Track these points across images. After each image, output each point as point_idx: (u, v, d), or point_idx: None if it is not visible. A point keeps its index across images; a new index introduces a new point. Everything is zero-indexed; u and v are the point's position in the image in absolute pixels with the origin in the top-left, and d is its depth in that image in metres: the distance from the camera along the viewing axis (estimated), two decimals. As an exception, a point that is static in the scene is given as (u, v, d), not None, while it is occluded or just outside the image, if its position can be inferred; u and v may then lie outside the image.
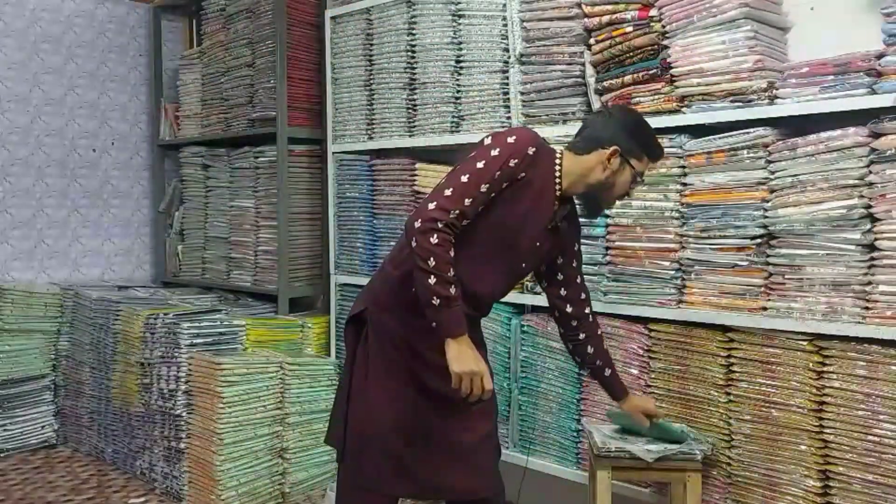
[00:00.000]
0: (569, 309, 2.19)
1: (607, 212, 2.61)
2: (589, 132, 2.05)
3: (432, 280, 1.79)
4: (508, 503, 2.25)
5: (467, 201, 1.84)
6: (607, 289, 2.64)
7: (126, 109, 4.61)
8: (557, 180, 2.01)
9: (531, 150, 1.91)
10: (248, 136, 4.03)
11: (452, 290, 1.80)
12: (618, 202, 2.17)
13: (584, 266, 2.68)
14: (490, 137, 1.93)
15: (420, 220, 1.82)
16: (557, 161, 2.02)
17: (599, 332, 2.25)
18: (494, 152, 1.88)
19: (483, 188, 1.86)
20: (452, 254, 1.82)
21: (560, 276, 2.18)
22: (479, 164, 1.87)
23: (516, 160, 1.89)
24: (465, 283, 1.90)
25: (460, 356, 1.81)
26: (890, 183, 2.05)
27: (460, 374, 1.80)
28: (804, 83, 2.22)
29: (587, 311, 2.22)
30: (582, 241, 2.27)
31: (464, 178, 1.86)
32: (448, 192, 1.84)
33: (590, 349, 2.22)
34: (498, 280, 2.05)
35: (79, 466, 3.77)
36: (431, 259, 1.79)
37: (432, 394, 2.00)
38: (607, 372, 2.26)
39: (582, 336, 2.21)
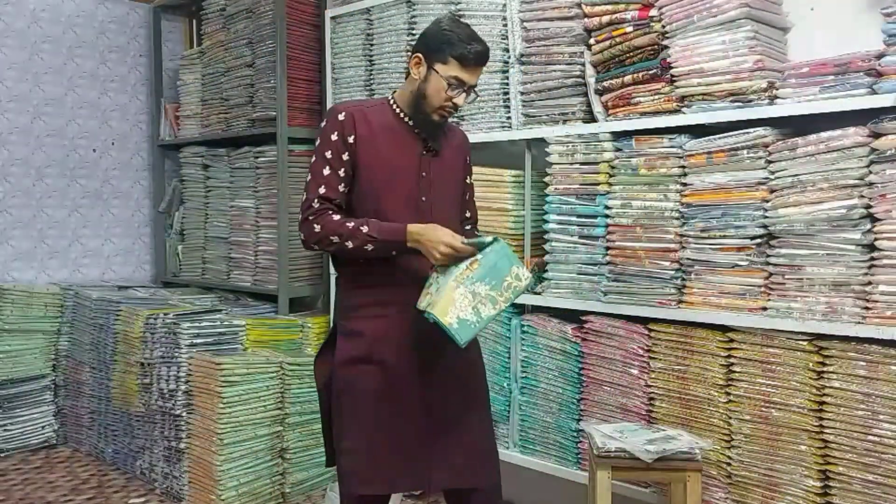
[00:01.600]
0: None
1: (607, 212, 2.62)
2: None
3: (349, 243, 1.93)
4: (508, 502, 2.25)
5: (322, 189, 1.98)
6: (607, 289, 2.63)
7: (126, 109, 4.61)
8: (397, 110, 2.07)
9: (341, 116, 2.01)
10: (248, 136, 4.03)
11: (361, 226, 1.92)
12: (449, 113, 2.04)
13: (582, 265, 2.71)
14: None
15: (300, 231, 2.01)
16: (391, 97, 2.10)
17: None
18: (320, 144, 2.03)
19: (326, 171, 1.99)
20: (337, 216, 1.96)
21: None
22: (313, 159, 2.03)
23: (336, 133, 2.00)
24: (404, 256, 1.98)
25: (426, 243, 1.88)
26: (890, 183, 2.05)
27: (441, 255, 1.86)
28: (804, 83, 2.22)
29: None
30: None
31: (309, 176, 2.02)
32: (305, 195, 2.02)
33: None
34: (407, 216, 2.00)
35: (79, 466, 3.77)
36: (330, 236, 1.94)
37: (412, 387, 2.00)
38: None
39: None
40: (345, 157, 2.00)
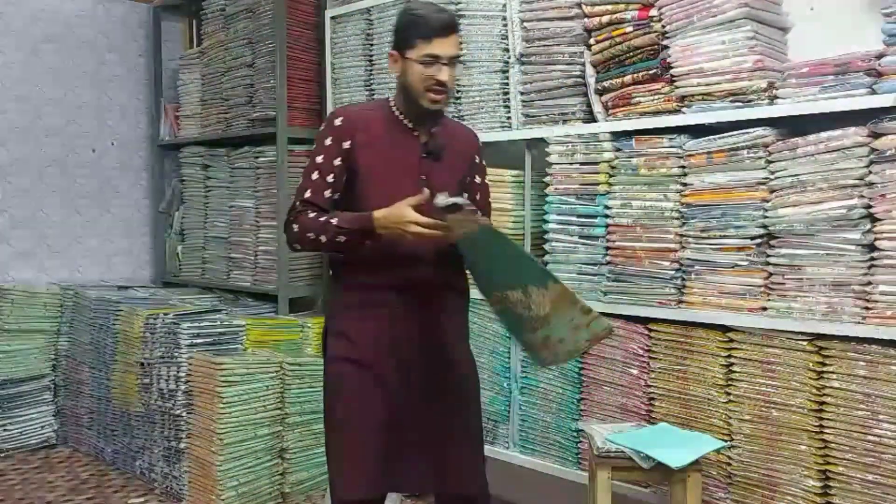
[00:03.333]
0: None
1: (607, 212, 2.62)
2: None
3: (322, 238, 1.94)
4: (508, 502, 2.25)
5: (308, 194, 1.99)
6: (607, 289, 2.63)
7: (126, 109, 4.61)
8: (396, 112, 2.05)
9: (338, 121, 2.02)
10: (248, 136, 4.03)
11: (331, 219, 1.93)
12: (439, 94, 1.98)
13: (582, 265, 2.70)
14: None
15: (284, 233, 2.03)
16: (391, 99, 2.08)
17: None
18: (314, 147, 2.04)
19: (314, 176, 1.99)
20: (313, 214, 1.96)
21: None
22: (307, 162, 2.05)
23: (330, 138, 2.01)
24: (386, 249, 1.94)
25: (392, 226, 1.86)
26: (890, 183, 2.05)
27: (414, 235, 1.84)
28: (804, 83, 2.22)
29: None
30: (486, 179, 2.23)
31: (302, 179, 2.03)
32: (294, 197, 2.03)
33: None
34: None
35: (79, 466, 3.77)
36: (307, 233, 1.95)
37: (398, 389, 2.00)
38: None
39: None
40: (336, 162, 2.00)
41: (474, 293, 2.21)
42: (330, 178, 2.00)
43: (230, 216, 4.16)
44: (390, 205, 1.92)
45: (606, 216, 2.63)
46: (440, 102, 2.01)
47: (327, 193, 2.00)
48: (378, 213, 1.89)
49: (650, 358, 2.56)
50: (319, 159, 2.00)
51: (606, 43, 2.62)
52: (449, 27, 1.96)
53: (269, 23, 3.85)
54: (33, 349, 3.98)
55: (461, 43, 2.00)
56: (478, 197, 2.20)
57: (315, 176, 2.00)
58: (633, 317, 2.59)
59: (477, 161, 2.20)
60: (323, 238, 1.94)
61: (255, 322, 3.59)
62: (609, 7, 2.61)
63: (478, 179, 2.21)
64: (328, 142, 2.00)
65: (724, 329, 2.38)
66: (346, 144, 2.00)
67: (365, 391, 2.00)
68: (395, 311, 1.97)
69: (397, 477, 2.02)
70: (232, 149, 4.16)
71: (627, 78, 2.58)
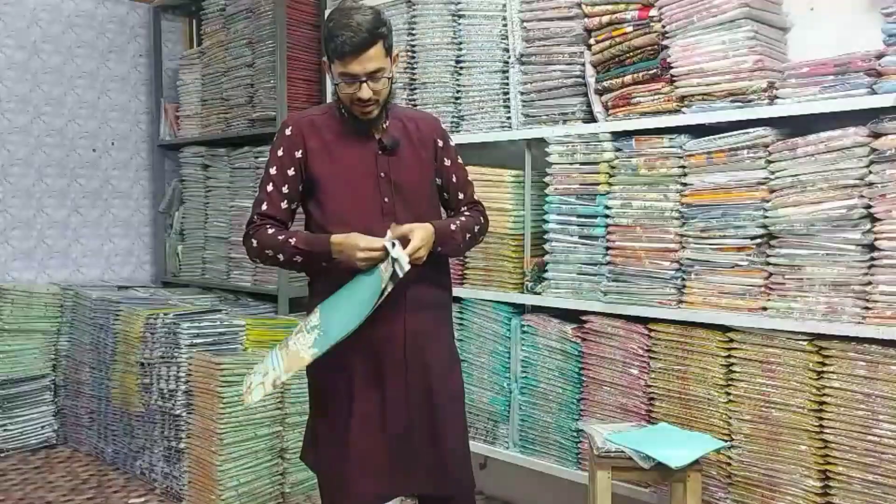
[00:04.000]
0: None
1: (607, 212, 2.62)
2: None
3: (280, 256, 1.95)
4: (508, 502, 2.25)
5: (264, 206, 2.00)
6: (607, 289, 2.63)
7: (126, 109, 4.61)
8: (345, 114, 2.02)
9: (288, 131, 2.02)
10: (248, 136, 4.03)
11: (290, 238, 1.93)
12: (365, 108, 1.96)
13: (582, 265, 2.70)
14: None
15: (244, 246, 2.04)
16: (340, 104, 2.03)
17: (469, 213, 2.18)
18: (268, 159, 2.04)
19: (269, 188, 2.00)
20: (272, 229, 1.97)
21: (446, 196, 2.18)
22: (263, 174, 2.05)
23: (282, 148, 2.01)
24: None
25: (346, 252, 1.86)
26: (890, 183, 2.05)
27: (361, 261, 1.84)
28: (804, 83, 2.22)
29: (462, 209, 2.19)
30: (457, 160, 2.17)
31: (258, 191, 2.04)
32: (251, 209, 2.04)
33: None
34: (373, 220, 1.97)
35: (79, 466, 3.77)
36: (266, 250, 1.97)
37: (378, 393, 1.99)
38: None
39: None
40: (290, 172, 1.99)
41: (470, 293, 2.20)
42: (285, 189, 2.00)
43: (230, 216, 4.16)
44: (353, 209, 1.95)
45: (606, 216, 2.63)
46: (369, 114, 1.98)
47: (283, 204, 2.00)
48: (334, 239, 1.89)
49: (650, 358, 2.56)
50: (273, 171, 2.00)
51: (606, 43, 2.62)
52: (358, 46, 1.87)
53: (269, 23, 3.85)
54: (33, 349, 3.98)
55: (386, 51, 1.93)
56: (454, 179, 2.16)
57: (270, 188, 2.00)
58: (633, 317, 2.59)
59: (441, 145, 2.13)
60: (280, 257, 1.95)
61: (255, 322, 3.59)
62: (609, 7, 2.61)
63: (447, 161, 2.15)
64: (280, 152, 2.00)
65: (724, 329, 2.38)
66: (298, 154, 1.99)
67: (349, 395, 1.98)
68: (375, 313, 1.87)
69: (386, 482, 1.99)
70: (232, 149, 4.17)
71: (627, 78, 2.58)
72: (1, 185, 4.12)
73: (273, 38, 3.82)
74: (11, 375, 3.88)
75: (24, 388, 3.95)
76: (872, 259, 2.11)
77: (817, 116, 2.19)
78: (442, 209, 2.21)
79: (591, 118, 2.73)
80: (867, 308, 2.10)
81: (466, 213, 2.17)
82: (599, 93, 2.68)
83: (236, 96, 4.08)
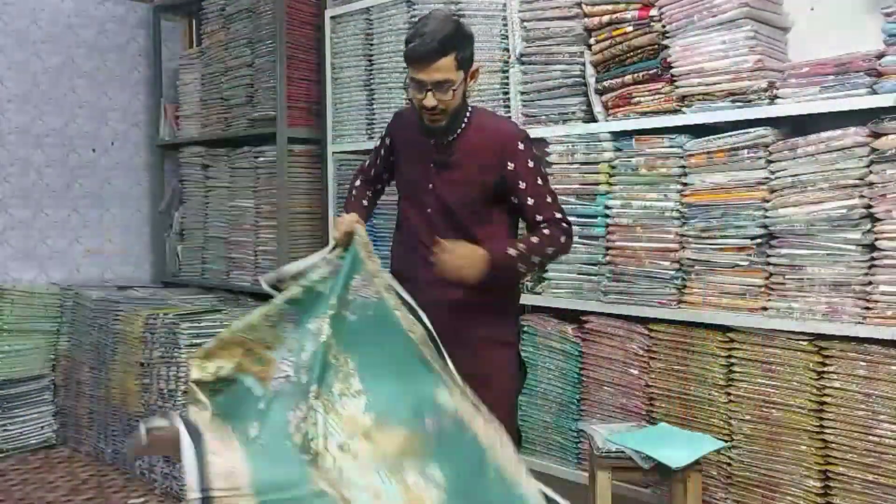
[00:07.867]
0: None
1: (607, 212, 2.62)
2: None
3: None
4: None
5: (366, 164, 2.39)
6: (607, 289, 2.63)
7: (126, 109, 4.60)
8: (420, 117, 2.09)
9: (391, 120, 2.31)
10: (248, 136, 4.03)
11: (350, 196, 2.33)
12: (432, 116, 2.01)
13: (582, 265, 2.70)
14: None
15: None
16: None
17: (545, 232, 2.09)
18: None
19: (372, 155, 2.37)
20: (359, 181, 2.36)
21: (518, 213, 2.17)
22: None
23: (384, 131, 2.32)
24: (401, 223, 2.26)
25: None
26: (890, 183, 2.05)
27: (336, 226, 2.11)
28: (804, 83, 2.22)
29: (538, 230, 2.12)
30: (532, 180, 2.09)
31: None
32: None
33: None
34: (420, 219, 2.15)
35: (79, 466, 3.77)
36: (349, 188, 2.40)
37: None
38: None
39: None
40: (382, 152, 2.31)
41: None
42: (377, 161, 2.35)
43: (230, 216, 4.16)
44: (408, 205, 2.20)
45: (606, 216, 2.63)
46: (435, 122, 2.02)
47: (373, 170, 2.36)
48: (346, 209, 2.24)
49: (650, 358, 2.56)
50: (377, 143, 2.35)
51: (606, 43, 2.62)
52: (425, 57, 1.92)
53: (269, 23, 3.84)
54: (33, 349, 3.98)
55: (458, 64, 1.96)
56: (529, 201, 2.07)
57: (372, 155, 2.36)
58: (633, 317, 2.59)
59: (511, 167, 2.05)
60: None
61: (255, 322, 3.58)
62: (609, 7, 2.61)
63: (521, 185, 2.06)
64: (383, 132, 2.33)
65: (725, 329, 2.38)
66: (388, 141, 2.29)
67: None
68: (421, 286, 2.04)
69: None
70: (232, 149, 4.16)
71: (627, 78, 2.58)
72: (1, 186, 4.12)
73: (273, 38, 3.82)
74: (11, 376, 3.88)
75: (24, 389, 3.94)
76: (873, 259, 2.11)
77: (817, 116, 2.20)
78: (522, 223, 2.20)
79: (591, 118, 2.73)
80: (867, 308, 2.10)
81: (543, 233, 2.07)
82: (599, 92, 2.68)
83: (236, 96, 4.08)
